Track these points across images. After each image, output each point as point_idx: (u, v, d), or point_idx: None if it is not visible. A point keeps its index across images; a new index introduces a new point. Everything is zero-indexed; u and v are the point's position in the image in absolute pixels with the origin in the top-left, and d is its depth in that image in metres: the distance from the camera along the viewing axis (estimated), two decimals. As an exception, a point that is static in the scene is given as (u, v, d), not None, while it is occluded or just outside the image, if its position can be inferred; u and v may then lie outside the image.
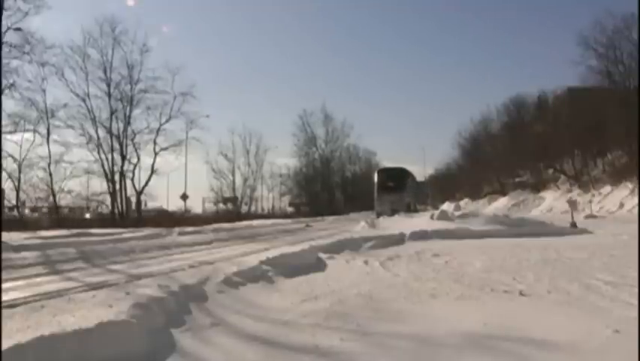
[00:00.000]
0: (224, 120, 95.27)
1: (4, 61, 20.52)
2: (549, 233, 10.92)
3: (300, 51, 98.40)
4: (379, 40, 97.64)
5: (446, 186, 68.78)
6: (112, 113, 27.77)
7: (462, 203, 50.90)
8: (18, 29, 21.27)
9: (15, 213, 24.79)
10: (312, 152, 52.50)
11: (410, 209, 27.63)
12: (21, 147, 24.24)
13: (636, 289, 3.89)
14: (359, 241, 8.98)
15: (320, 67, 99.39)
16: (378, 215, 24.98)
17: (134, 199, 29.75)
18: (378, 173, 32.66)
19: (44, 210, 27.43)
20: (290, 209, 51.59)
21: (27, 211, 27.16)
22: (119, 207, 28.07)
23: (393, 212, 24.06)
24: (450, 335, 2.92)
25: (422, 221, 13.34)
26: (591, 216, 20.47)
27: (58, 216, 24.96)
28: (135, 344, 2.70)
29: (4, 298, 3.83)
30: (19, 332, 2.56)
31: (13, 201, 24.78)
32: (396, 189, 28.65)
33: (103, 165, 27.55)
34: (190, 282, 4.18)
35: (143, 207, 32.02)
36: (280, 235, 13.15)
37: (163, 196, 75.97)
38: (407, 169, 32.69)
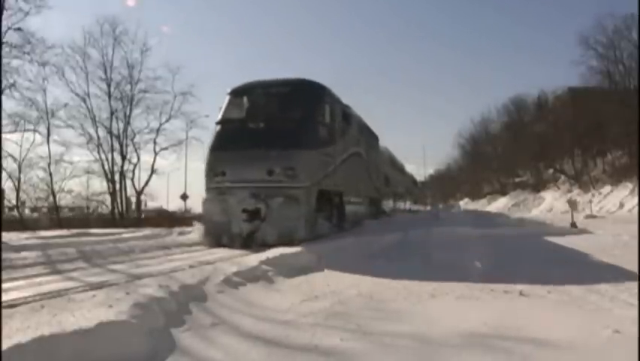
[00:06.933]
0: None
1: (4, 61, 20.56)
2: (549, 233, 10.91)
3: (300, 50, 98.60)
4: (380, 41, 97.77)
5: (446, 186, 68.90)
6: (112, 113, 27.80)
7: (462, 203, 50.97)
8: (18, 29, 21.30)
9: (15, 213, 24.83)
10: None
11: (343, 218, 10.76)
12: (21, 146, 24.35)
13: (636, 290, 3.89)
14: (359, 241, 8.96)
15: (321, 66, 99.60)
16: (214, 240, 8.62)
17: (134, 199, 29.81)
18: (229, 96, 10.17)
19: (44, 210, 27.45)
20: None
21: (27, 211, 27.19)
22: (119, 207, 28.11)
23: (249, 235, 8.13)
24: (450, 334, 2.92)
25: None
26: (591, 216, 20.48)
27: (58, 216, 24.99)
28: (135, 344, 2.70)
29: (4, 298, 3.83)
30: (19, 331, 2.55)
31: (13, 201, 24.90)
32: (277, 146, 8.36)
33: (103, 165, 27.63)
34: (190, 282, 4.17)
35: (143, 207, 32.09)
36: (280, 235, 13.08)
37: (163, 196, 76.28)
38: (323, 86, 9.83)
